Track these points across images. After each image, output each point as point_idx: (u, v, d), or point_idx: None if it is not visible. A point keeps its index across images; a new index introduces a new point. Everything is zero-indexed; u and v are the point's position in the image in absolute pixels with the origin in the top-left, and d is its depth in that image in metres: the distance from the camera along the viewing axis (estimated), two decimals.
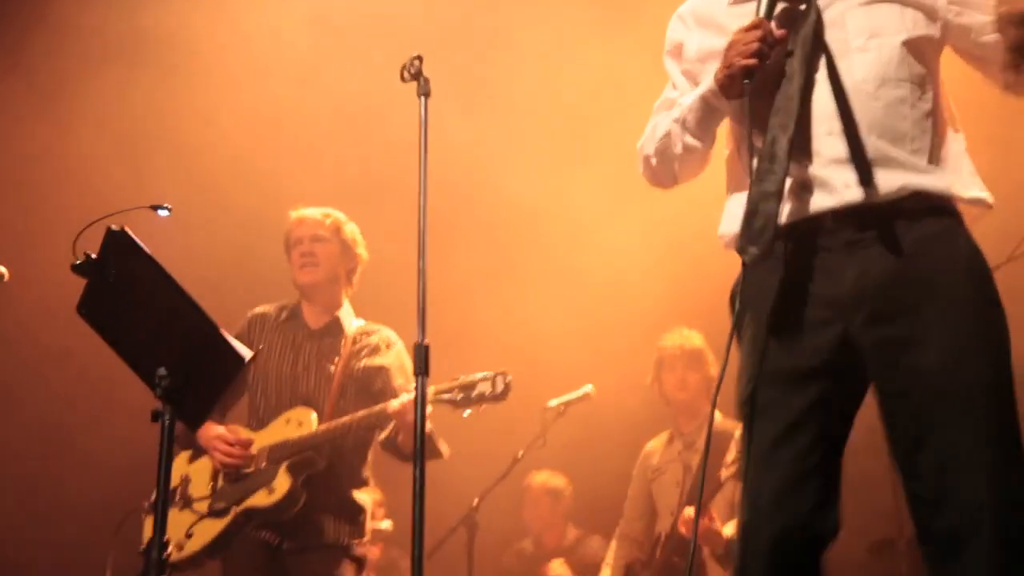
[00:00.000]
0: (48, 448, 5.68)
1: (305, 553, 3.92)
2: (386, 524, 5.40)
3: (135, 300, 3.01)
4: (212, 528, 3.89)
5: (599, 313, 6.19)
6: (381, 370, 4.16)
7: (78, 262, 2.91)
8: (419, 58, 3.11)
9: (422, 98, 3.08)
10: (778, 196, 2.39)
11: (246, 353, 3.01)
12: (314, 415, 3.98)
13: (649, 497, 4.97)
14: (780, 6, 2.51)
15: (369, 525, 4.19)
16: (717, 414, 4.65)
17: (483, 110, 6.27)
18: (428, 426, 3.64)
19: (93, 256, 2.91)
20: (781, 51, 2.50)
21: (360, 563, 4.09)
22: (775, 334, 2.46)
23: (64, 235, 2.93)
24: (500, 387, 3.89)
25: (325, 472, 3.96)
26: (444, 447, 4.12)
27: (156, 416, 2.88)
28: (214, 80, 6.29)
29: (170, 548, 3.48)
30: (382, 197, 4.99)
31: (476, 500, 5.23)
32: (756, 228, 2.39)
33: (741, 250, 2.44)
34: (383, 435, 4.12)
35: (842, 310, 2.38)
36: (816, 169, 2.43)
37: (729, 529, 4.48)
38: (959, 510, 2.22)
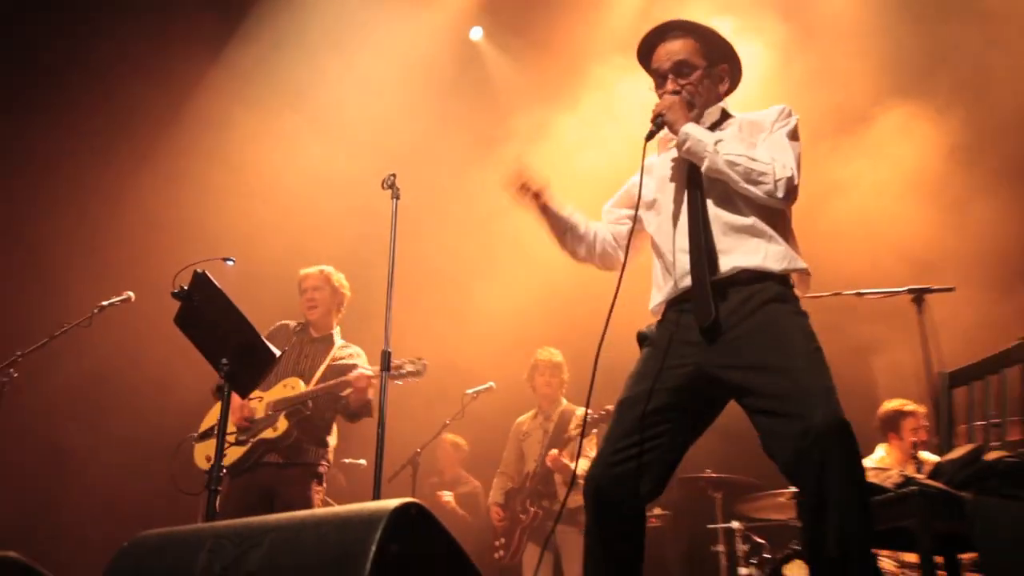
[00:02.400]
0: (142, 401, 6.40)
1: (289, 468, 4.86)
2: (362, 461, 6.51)
3: (209, 316, 3.83)
4: (238, 452, 4.84)
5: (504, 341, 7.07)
6: (349, 363, 5.10)
7: (175, 291, 3.79)
8: (393, 175, 3.94)
9: (394, 200, 3.92)
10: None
11: (277, 352, 3.96)
12: (302, 382, 4.96)
13: (520, 450, 6.27)
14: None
15: (331, 456, 5.08)
16: (563, 400, 6.16)
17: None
18: (370, 393, 4.77)
19: (185, 287, 3.78)
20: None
21: (320, 478, 4.99)
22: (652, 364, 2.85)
23: (168, 272, 3.79)
24: (420, 367, 4.81)
25: (308, 419, 4.93)
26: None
27: (219, 388, 3.81)
28: (260, 184, 7.36)
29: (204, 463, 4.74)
30: (371, 258, 5.45)
31: (419, 449, 6.27)
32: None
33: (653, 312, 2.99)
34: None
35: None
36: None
37: (578, 466, 5.58)
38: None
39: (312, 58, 7.78)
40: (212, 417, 4.98)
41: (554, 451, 5.89)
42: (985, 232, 6.10)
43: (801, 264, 2.88)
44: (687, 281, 2.85)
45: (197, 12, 7.49)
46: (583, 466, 5.79)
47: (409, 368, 4.82)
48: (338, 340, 5.25)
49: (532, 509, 5.98)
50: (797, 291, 2.89)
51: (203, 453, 4.92)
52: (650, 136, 2.97)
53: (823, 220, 6.33)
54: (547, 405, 6.31)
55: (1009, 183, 6.18)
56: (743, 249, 2.83)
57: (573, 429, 5.93)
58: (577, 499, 5.70)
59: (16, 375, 4.96)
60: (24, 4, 7.14)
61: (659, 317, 3.02)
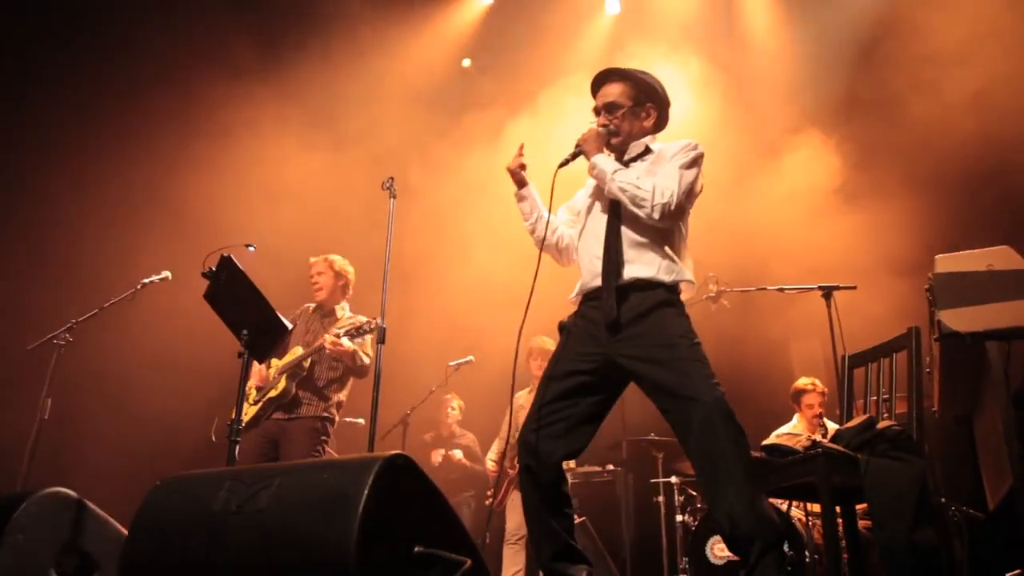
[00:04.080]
0: (184, 368, 6.21)
1: (293, 420, 4.80)
2: (360, 420, 6.37)
3: (234, 294, 3.81)
4: (253, 410, 4.85)
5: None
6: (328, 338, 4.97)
7: (205, 271, 3.79)
8: (391, 178, 3.99)
9: (391, 200, 3.95)
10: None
11: (289, 325, 3.97)
12: (300, 348, 4.90)
13: (516, 421, 6.00)
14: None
15: (335, 411, 4.94)
16: None
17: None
18: (352, 348, 4.72)
19: (213, 268, 3.78)
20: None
21: (323, 426, 4.87)
22: (568, 349, 2.96)
23: (199, 255, 3.79)
24: (374, 325, 4.59)
25: (306, 379, 4.87)
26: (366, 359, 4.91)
27: (240, 355, 3.77)
28: (280, 182, 7.32)
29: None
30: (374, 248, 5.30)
31: (408, 410, 6.32)
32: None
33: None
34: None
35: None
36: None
37: None
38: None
39: (331, 80, 7.76)
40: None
41: None
42: (880, 238, 6.16)
43: (688, 276, 2.98)
44: (597, 282, 2.95)
45: (234, 35, 7.41)
46: None
47: (366, 327, 4.77)
48: (346, 313, 5.18)
49: (518, 463, 6.00)
50: (683, 296, 2.99)
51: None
52: (563, 163, 3.10)
53: (748, 227, 6.39)
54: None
55: (900, 199, 6.24)
56: (642, 261, 2.93)
57: None
58: None
59: (72, 339, 4.94)
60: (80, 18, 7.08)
61: (576, 307, 3.10)
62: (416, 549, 2.04)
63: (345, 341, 4.75)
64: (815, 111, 6.91)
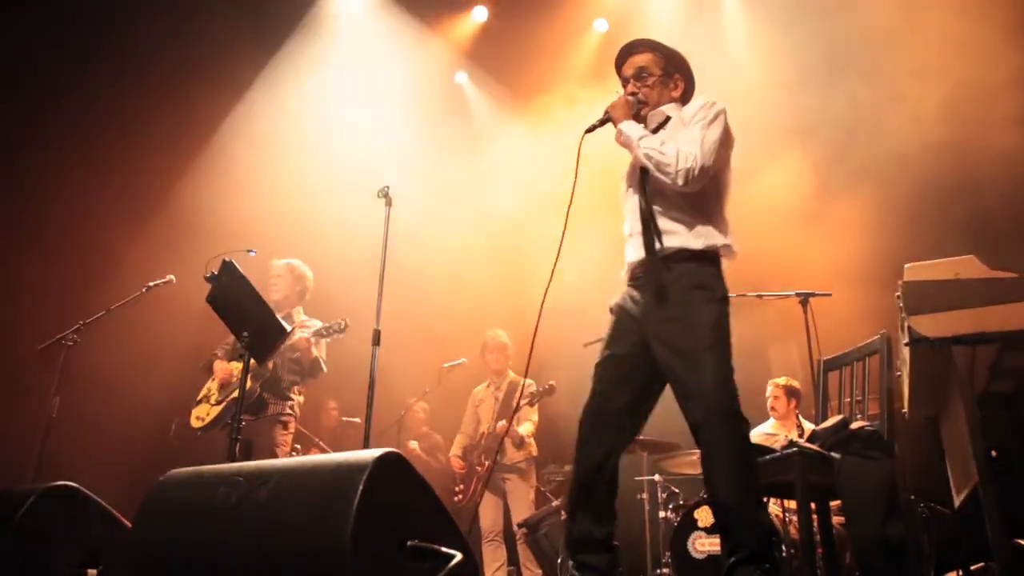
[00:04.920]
0: (186, 368, 5.96)
1: (258, 421, 4.75)
2: (357, 419, 6.36)
3: (235, 296, 3.84)
4: (216, 410, 4.77)
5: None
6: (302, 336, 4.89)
7: (207, 275, 3.82)
8: (387, 187, 3.93)
9: (387, 208, 3.91)
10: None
11: (287, 327, 3.98)
12: None
13: (476, 414, 6.25)
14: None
15: (297, 409, 4.92)
16: (510, 372, 6.10)
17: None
18: (313, 353, 4.74)
19: (215, 272, 3.81)
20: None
21: (285, 425, 4.85)
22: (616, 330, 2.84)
23: (201, 259, 3.85)
24: (342, 325, 4.71)
25: (269, 380, 4.79)
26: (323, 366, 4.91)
27: (241, 355, 3.82)
28: (280, 190, 7.24)
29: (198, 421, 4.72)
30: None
31: (403, 411, 6.40)
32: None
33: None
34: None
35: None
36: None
37: (522, 430, 5.84)
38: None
39: (331, 92, 7.76)
40: (204, 388, 4.99)
41: (503, 423, 5.87)
42: (854, 248, 6.18)
43: (720, 240, 2.80)
44: (633, 258, 2.84)
45: (236, 43, 7.32)
46: (527, 429, 5.88)
47: (335, 327, 4.74)
48: (301, 316, 5.13)
49: (487, 462, 6.00)
50: (725, 261, 2.83)
51: (195, 415, 4.89)
52: (591, 129, 2.96)
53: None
54: (496, 377, 6.26)
55: (872, 214, 6.28)
56: (671, 232, 2.78)
57: (524, 397, 5.92)
58: (519, 455, 5.90)
59: (79, 340, 4.93)
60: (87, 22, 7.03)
61: (625, 285, 2.95)
62: (409, 543, 2.04)
63: (323, 342, 4.77)
64: (791, 126, 6.94)
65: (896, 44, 6.40)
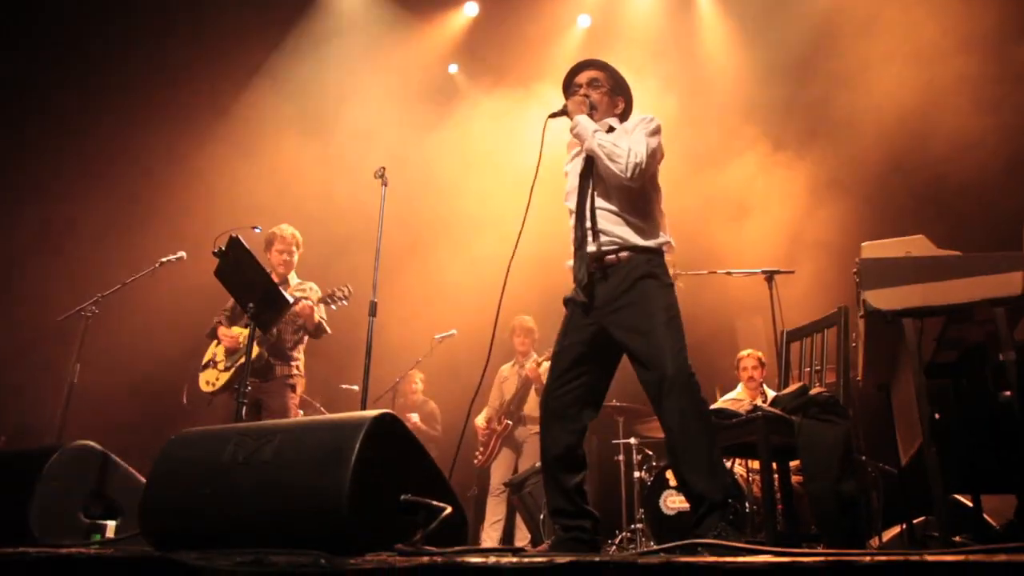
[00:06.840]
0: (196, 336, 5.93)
1: (267, 383, 4.65)
2: (355, 387, 6.15)
3: (241, 270, 3.80)
4: (225, 376, 4.65)
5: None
6: (302, 296, 4.75)
7: (215, 250, 3.77)
8: (383, 167, 3.91)
9: (383, 187, 3.91)
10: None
11: (291, 299, 3.95)
12: None
13: (501, 390, 6.27)
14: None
15: (301, 369, 4.82)
16: (533, 354, 6.04)
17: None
18: (316, 317, 4.62)
19: (223, 248, 3.76)
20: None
21: (293, 387, 4.75)
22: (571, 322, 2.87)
23: (210, 236, 3.79)
24: (346, 292, 4.65)
25: (274, 344, 4.69)
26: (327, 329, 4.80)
27: (247, 325, 3.84)
28: (284, 170, 7.22)
29: (208, 386, 4.62)
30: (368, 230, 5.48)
31: (398, 379, 6.47)
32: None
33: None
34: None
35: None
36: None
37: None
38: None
39: (333, 79, 7.72)
40: (208, 353, 4.89)
41: (532, 363, 5.89)
42: (819, 230, 6.18)
43: (667, 238, 2.88)
44: (584, 253, 2.86)
45: (244, 33, 7.31)
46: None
47: (339, 294, 4.68)
48: (295, 279, 5.00)
49: (505, 421, 6.06)
50: (668, 258, 2.88)
51: (204, 379, 4.76)
52: (553, 115, 3.06)
53: (703, 220, 6.39)
54: (522, 358, 6.28)
55: (833, 198, 6.29)
56: (620, 226, 2.84)
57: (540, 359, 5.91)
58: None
59: (97, 311, 4.90)
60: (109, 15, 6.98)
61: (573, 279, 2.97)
62: (402, 497, 2.05)
63: (320, 309, 4.69)
64: (759, 118, 6.94)
65: (859, 45, 6.38)
